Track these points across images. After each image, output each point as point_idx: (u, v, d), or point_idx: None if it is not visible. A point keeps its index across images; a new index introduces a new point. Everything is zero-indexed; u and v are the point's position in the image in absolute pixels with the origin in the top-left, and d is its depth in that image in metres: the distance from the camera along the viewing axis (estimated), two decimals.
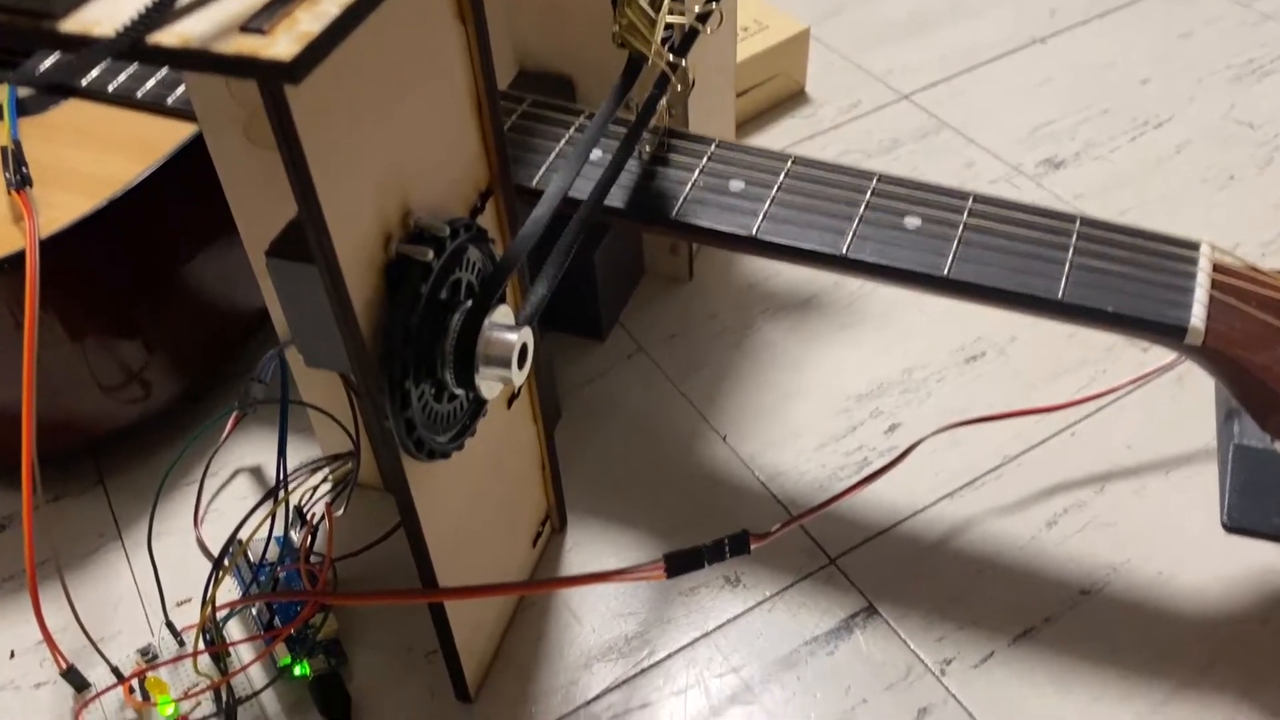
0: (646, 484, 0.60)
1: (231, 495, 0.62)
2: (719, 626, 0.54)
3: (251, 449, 0.64)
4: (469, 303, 0.39)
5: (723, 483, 0.60)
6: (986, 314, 0.67)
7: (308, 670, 0.51)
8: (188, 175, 0.59)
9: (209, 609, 0.46)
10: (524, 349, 0.39)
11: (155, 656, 0.52)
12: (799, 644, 0.53)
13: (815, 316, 0.69)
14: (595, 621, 0.55)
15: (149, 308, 0.61)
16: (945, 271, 0.47)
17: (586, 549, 0.58)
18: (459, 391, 0.40)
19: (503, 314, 0.40)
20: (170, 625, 0.53)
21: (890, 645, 0.52)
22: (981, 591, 0.54)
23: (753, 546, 0.49)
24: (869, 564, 0.56)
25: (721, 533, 0.57)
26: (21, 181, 0.54)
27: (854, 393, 0.64)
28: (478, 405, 0.42)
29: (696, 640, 0.53)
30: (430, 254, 0.36)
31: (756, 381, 0.65)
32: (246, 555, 0.54)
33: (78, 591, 0.57)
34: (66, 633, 0.53)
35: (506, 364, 0.39)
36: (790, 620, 0.54)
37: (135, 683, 0.51)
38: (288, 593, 0.50)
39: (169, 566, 0.58)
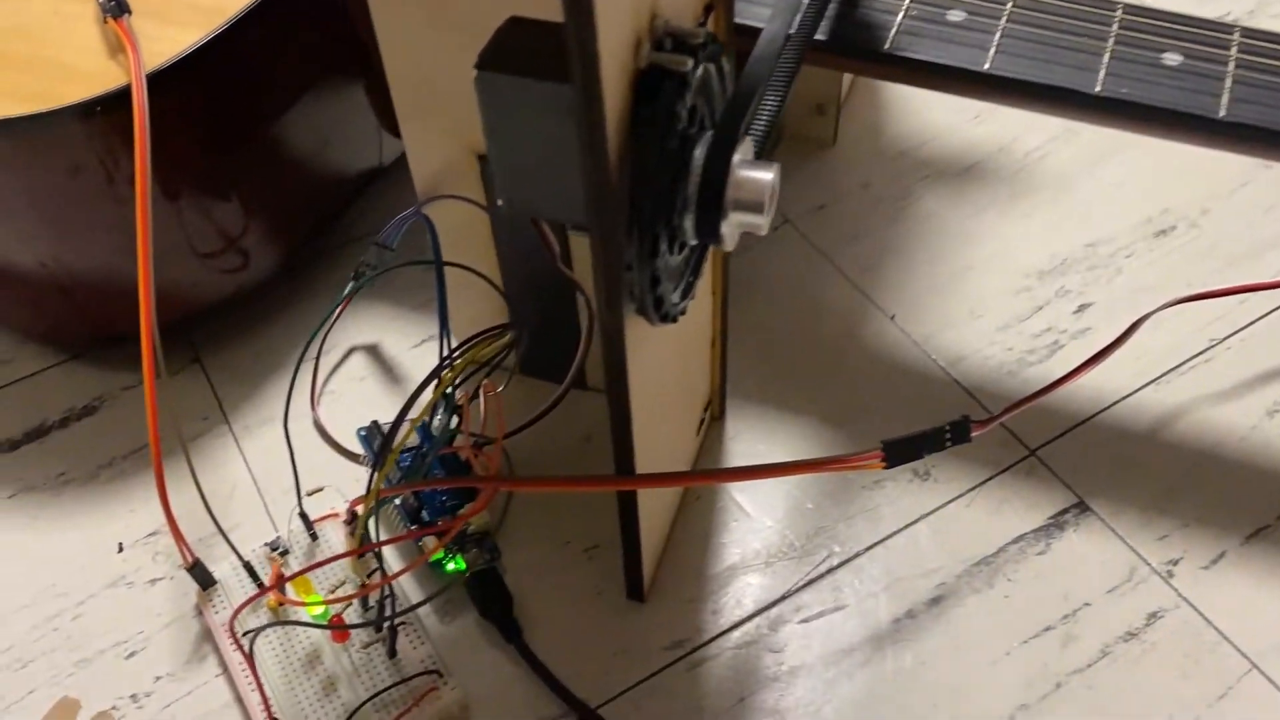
0: (807, 369, 0.54)
1: (346, 376, 0.56)
2: (909, 524, 0.48)
3: (363, 325, 0.57)
4: (709, 134, 0.32)
5: (894, 367, 0.54)
6: (1172, 183, 0.61)
7: (463, 566, 0.46)
8: (295, 6, 0.52)
9: (371, 500, 0.40)
10: (774, 191, 0.33)
11: (285, 550, 0.47)
12: (1004, 543, 0.47)
13: (980, 185, 0.62)
14: (769, 517, 0.49)
15: (248, 165, 0.54)
16: (1220, 114, 0.40)
17: (747, 438, 0.52)
18: (692, 243, 0.33)
19: (746, 149, 0.33)
20: (304, 516, 0.47)
21: (1108, 545, 0.47)
22: (1202, 486, 0.49)
23: (974, 434, 0.43)
24: (1073, 456, 0.50)
25: (900, 422, 0.52)
26: (119, 8, 0.47)
27: (1034, 269, 0.57)
28: (699, 262, 0.36)
29: (886, 538, 0.48)
30: (689, 63, 0.30)
31: (922, 256, 0.59)
32: (387, 440, 0.48)
33: (186, 480, 0.51)
34: (160, 516, 0.47)
35: (758, 208, 0.32)
36: (991, 518, 0.48)
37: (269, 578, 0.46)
38: (470, 478, 0.43)
39: (281, 453, 0.52)
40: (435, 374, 0.41)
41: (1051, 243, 0.59)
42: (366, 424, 0.51)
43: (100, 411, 0.55)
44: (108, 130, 0.48)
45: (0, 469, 0.52)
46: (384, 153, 0.62)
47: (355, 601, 0.45)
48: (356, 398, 0.54)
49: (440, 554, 0.46)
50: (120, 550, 0.49)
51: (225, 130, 0.52)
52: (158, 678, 0.45)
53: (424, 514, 0.47)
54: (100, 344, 0.57)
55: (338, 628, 0.42)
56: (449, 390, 0.48)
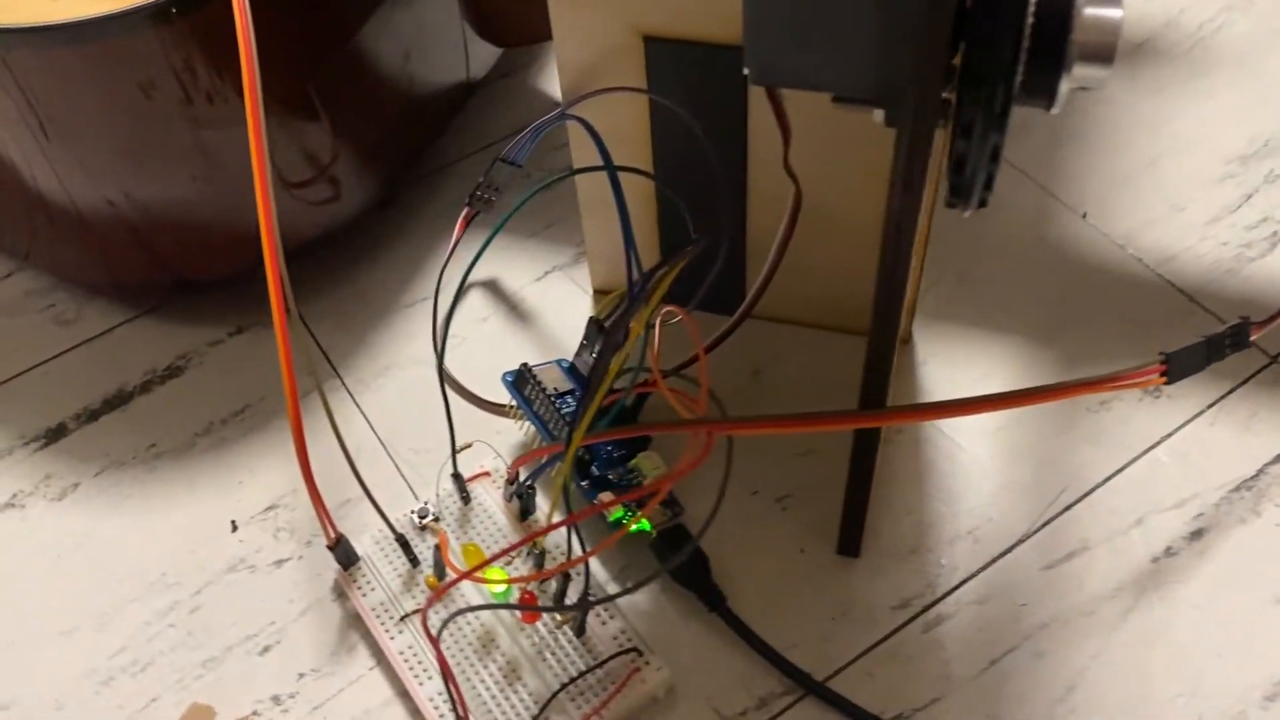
0: (996, 280, 0.48)
1: (466, 318, 0.49)
2: (1148, 449, 0.42)
3: (485, 256, 0.50)
4: None
5: (1096, 270, 0.47)
6: None
7: (647, 526, 0.39)
8: None
9: (570, 458, 0.33)
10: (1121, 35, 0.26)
11: (436, 518, 0.40)
12: (1264, 463, 0.41)
13: (1154, 65, 0.55)
14: (983, 448, 0.43)
15: (334, 78, 0.46)
16: None
17: (940, 363, 0.45)
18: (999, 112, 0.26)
19: None
20: (457, 477, 0.40)
21: None
22: None
23: (1252, 337, 0.36)
24: None
25: (1116, 336, 0.45)
26: None
27: (1233, 153, 0.51)
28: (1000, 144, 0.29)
29: (1124, 467, 0.42)
30: None
31: (1103, 145, 0.52)
32: (541, 386, 0.42)
33: (307, 436, 0.45)
34: (293, 496, 0.41)
35: (1106, 56, 0.25)
36: (1242, 435, 0.42)
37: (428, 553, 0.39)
38: (686, 421, 0.36)
39: (405, 408, 0.46)
40: (633, 303, 0.34)
41: (1246, 123, 0.52)
42: (508, 369, 0.44)
43: (187, 372, 0.47)
44: (185, 36, 0.40)
45: (82, 443, 0.45)
46: (471, 66, 0.54)
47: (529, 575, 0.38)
48: (481, 341, 0.47)
49: (619, 513, 0.39)
50: (234, 529, 0.42)
51: (309, 37, 0.44)
52: (301, 675, 0.39)
53: (594, 469, 0.40)
54: (177, 295, 0.50)
55: (530, 608, 0.36)
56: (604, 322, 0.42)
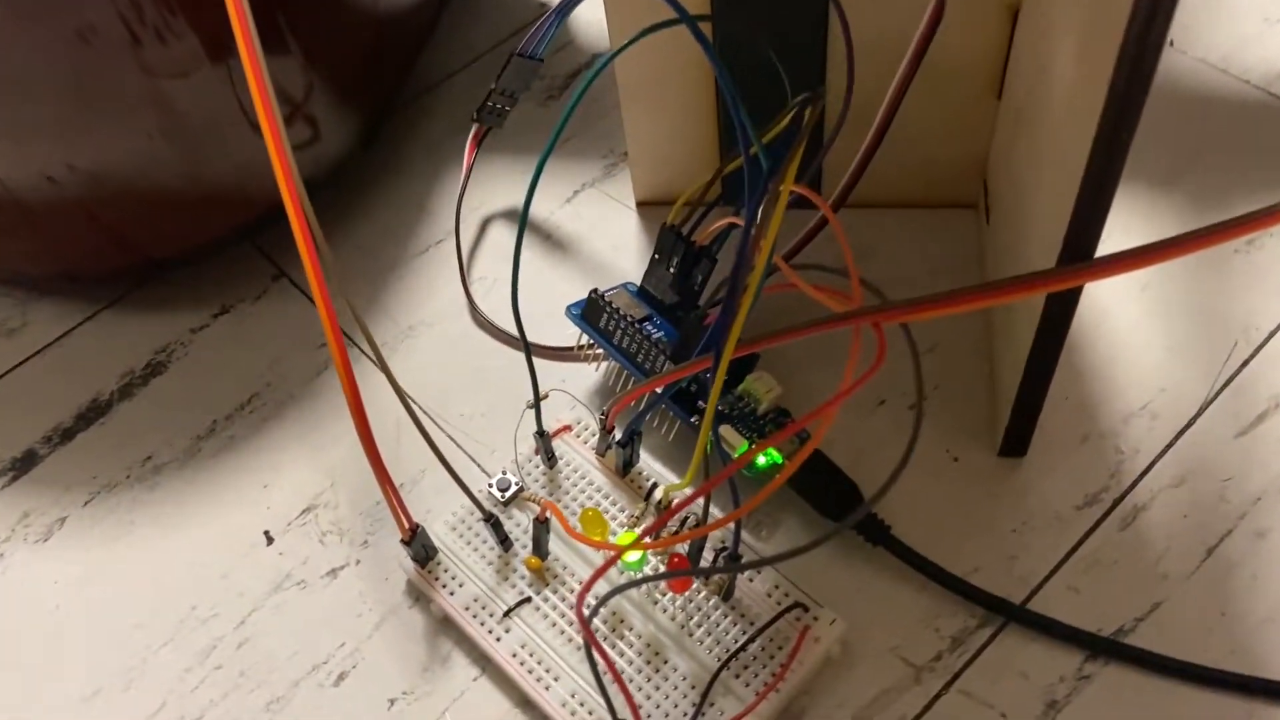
0: None
1: (492, 255, 0.41)
2: None
3: (485, 189, 0.43)
4: None
5: (1201, 100, 0.42)
6: None
7: (778, 458, 0.33)
8: None
9: (716, 387, 0.26)
10: None
11: (520, 488, 0.33)
12: None
13: None
14: (1132, 312, 0.37)
15: (303, 2, 0.38)
16: None
17: None
18: None
19: None
20: (542, 434, 0.33)
21: None
22: None
23: None
24: None
25: (1242, 164, 0.40)
26: None
27: None
28: None
29: None
30: None
31: None
32: (620, 312, 0.34)
33: (326, 421, 0.37)
34: (332, 491, 0.33)
35: None
36: None
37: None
38: (850, 314, 0.27)
39: (438, 368, 0.38)
40: (770, 176, 0.27)
41: None
42: (563, 303, 0.36)
43: (171, 367, 0.39)
44: None
45: (59, 469, 0.37)
46: None
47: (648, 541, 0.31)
48: (522, 276, 0.40)
49: (743, 445, 0.33)
50: (270, 542, 0.35)
51: None
52: (392, 701, 0.31)
53: (701, 403, 0.34)
54: (142, 280, 0.42)
55: (680, 574, 0.29)
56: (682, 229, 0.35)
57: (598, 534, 0.30)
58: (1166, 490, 0.33)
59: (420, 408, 0.37)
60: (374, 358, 0.30)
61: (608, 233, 0.41)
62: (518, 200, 0.42)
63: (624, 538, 0.31)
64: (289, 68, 0.38)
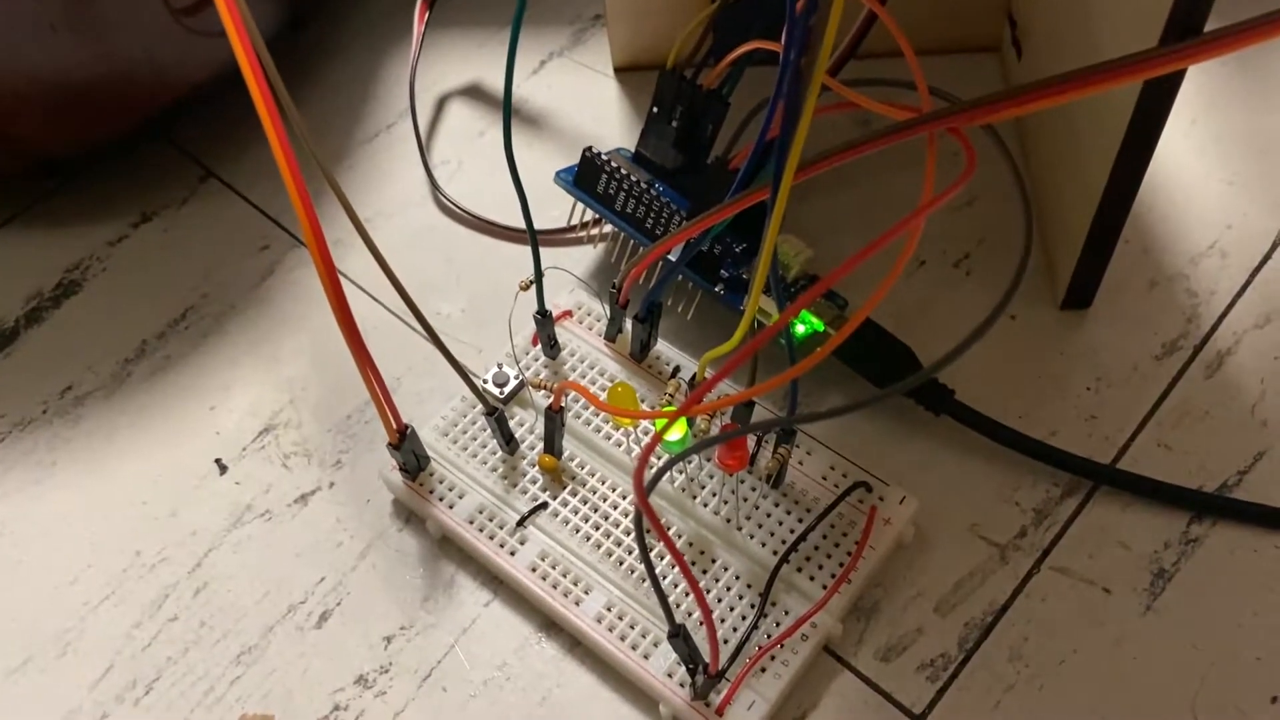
0: None
1: (454, 134, 0.36)
2: None
3: (441, 65, 0.37)
4: None
5: None
6: None
7: (819, 324, 0.28)
8: None
9: (774, 227, 0.21)
10: None
11: (521, 382, 0.28)
12: None
13: None
14: (1181, 145, 0.33)
15: None
16: None
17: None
18: None
19: None
20: (544, 315, 0.28)
21: None
22: None
23: None
24: None
25: None
26: None
27: None
28: None
29: None
30: None
31: None
32: (621, 172, 0.30)
33: (276, 332, 0.32)
34: (292, 407, 0.28)
35: None
36: None
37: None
38: (924, 119, 0.21)
39: (404, 264, 0.33)
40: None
41: None
42: (562, 168, 0.31)
43: (87, 285, 0.33)
44: None
45: None
46: None
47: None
48: (485, 160, 0.35)
49: (774, 317, 0.28)
50: (223, 471, 0.29)
51: None
52: (389, 639, 0.26)
53: (724, 270, 0.29)
54: (38, 189, 0.36)
55: (737, 434, 0.24)
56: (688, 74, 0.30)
57: (627, 407, 0.25)
58: (1251, 332, 0.29)
59: (389, 308, 0.32)
60: (361, 237, 0.24)
61: (584, 103, 0.36)
62: (473, 75, 0.37)
63: (664, 411, 0.26)
64: None
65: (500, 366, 0.29)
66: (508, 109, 0.25)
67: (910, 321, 0.30)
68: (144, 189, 0.35)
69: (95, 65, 0.32)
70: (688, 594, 0.25)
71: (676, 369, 0.29)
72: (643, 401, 0.28)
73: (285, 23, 0.37)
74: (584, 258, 0.32)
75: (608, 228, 0.32)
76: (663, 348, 0.29)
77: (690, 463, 0.27)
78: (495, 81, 0.37)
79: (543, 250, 0.32)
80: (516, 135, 0.36)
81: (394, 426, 0.26)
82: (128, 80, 0.33)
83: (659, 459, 0.26)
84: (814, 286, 0.24)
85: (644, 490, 0.19)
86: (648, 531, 0.24)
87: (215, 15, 0.33)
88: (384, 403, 0.25)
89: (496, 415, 0.26)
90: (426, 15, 0.35)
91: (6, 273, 0.34)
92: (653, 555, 0.26)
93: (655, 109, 0.30)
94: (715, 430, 0.27)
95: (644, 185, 0.29)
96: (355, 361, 0.24)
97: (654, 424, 0.27)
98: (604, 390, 0.28)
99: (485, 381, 0.28)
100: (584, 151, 0.30)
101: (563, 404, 0.26)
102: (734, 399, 0.21)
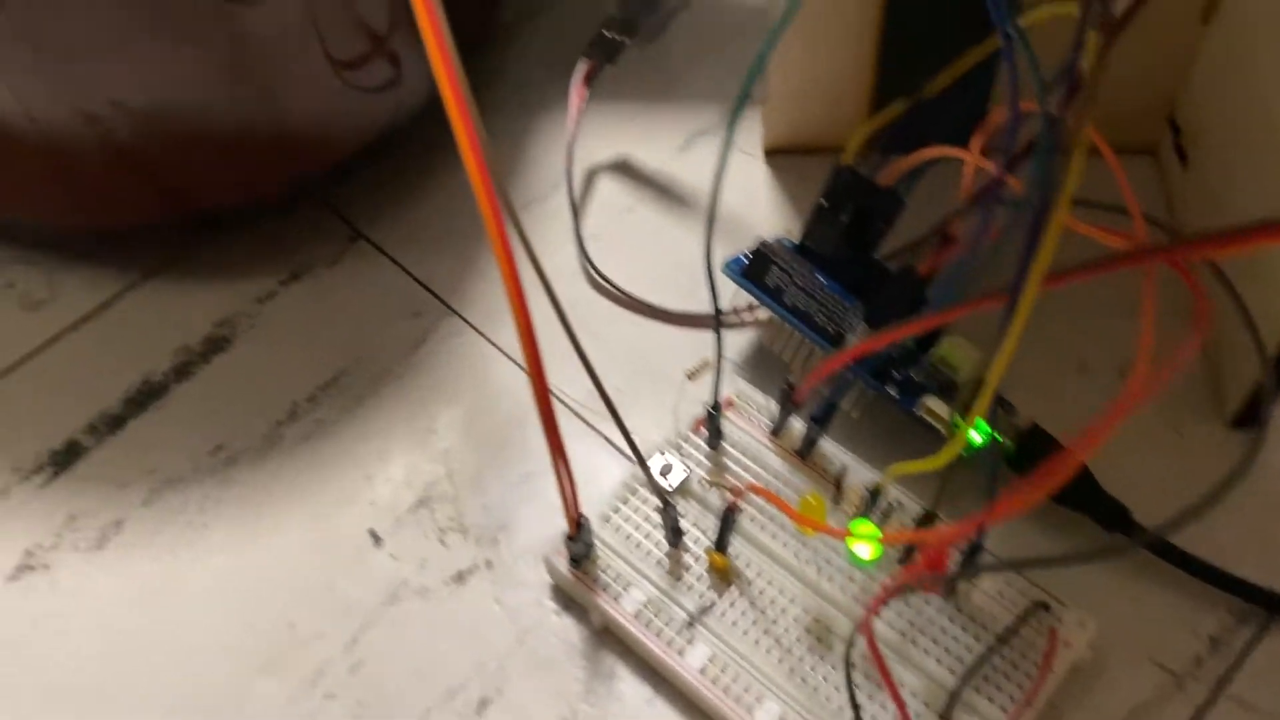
0: None
1: (603, 209, 0.36)
2: None
3: (591, 136, 0.37)
4: None
5: None
6: None
7: (999, 436, 0.28)
8: None
9: (1013, 336, 0.21)
10: None
11: (686, 474, 0.28)
12: None
13: None
14: None
15: None
16: None
17: None
18: None
19: None
20: (715, 412, 0.28)
21: None
22: None
23: None
24: None
25: None
26: None
27: None
28: None
29: None
30: None
31: None
32: (793, 266, 0.29)
33: (431, 401, 0.32)
34: (449, 480, 0.28)
35: None
36: None
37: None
38: (1142, 251, 0.20)
39: (549, 341, 0.33)
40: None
41: None
42: (738, 254, 0.31)
43: (237, 342, 0.34)
44: None
45: (110, 462, 0.31)
46: None
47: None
48: (636, 236, 0.35)
49: (953, 421, 0.28)
50: (378, 543, 0.29)
51: None
52: None
53: (895, 372, 0.29)
54: (192, 240, 0.36)
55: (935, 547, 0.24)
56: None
57: (817, 518, 0.25)
58: None
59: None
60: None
61: (733, 184, 0.36)
62: (623, 149, 0.37)
63: (858, 526, 0.26)
64: None
65: (663, 454, 0.28)
66: (712, 213, 0.25)
67: (1072, 430, 0.29)
68: (293, 246, 0.35)
69: (260, 120, 0.32)
70: (858, 708, 0.25)
71: (844, 470, 0.28)
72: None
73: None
74: (737, 341, 0.32)
75: (763, 312, 0.32)
76: (827, 444, 0.29)
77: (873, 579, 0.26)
78: (644, 157, 0.37)
79: (692, 331, 0.32)
80: (663, 212, 0.36)
81: (574, 517, 0.25)
82: (293, 137, 0.33)
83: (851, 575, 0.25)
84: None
85: (875, 640, 0.19)
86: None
87: (375, 71, 0.34)
88: (570, 494, 0.25)
89: (669, 509, 0.26)
90: (588, 86, 0.36)
91: (155, 323, 0.34)
92: (833, 671, 0.25)
93: (824, 202, 0.30)
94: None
95: (817, 282, 0.29)
96: (549, 449, 0.24)
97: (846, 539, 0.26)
98: (767, 482, 0.28)
99: (656, 469, 0.28)
100: (758, 245, 0.30)
101: (740, 505, 0.26)
102: (959, 532, 0.21)
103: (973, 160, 0.27)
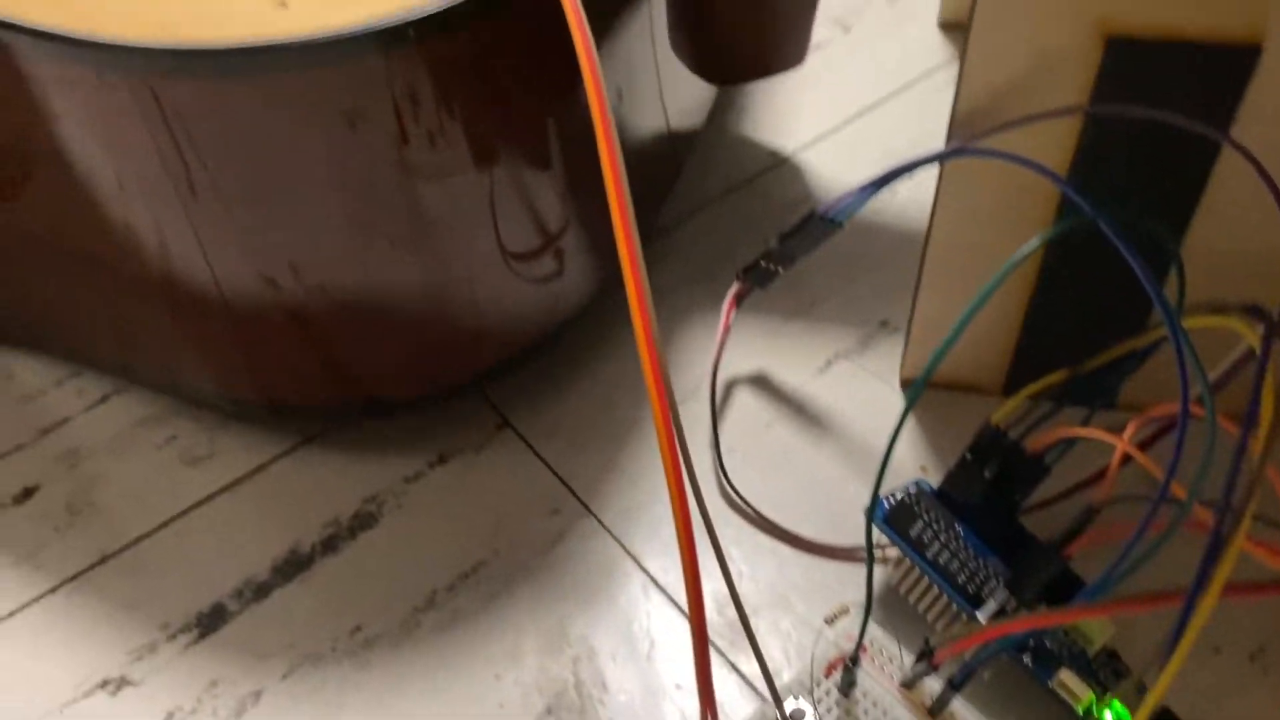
0: None
1: (740, 424, 0.37)
2: None
3: (733, 350, 0.39)
4: None
5: None
6: None
7: (1125, 713, 0.28)
8: None
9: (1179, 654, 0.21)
10: None
11: None
12: None
13: None
14: None
15: (567, 109, 0.35)
16: None
17: None
18: None
19: None
20: (854, 664, 0.29)
21: None
22: None
23: None
24: None
25: None
26: None
27: None
28: None
29: None
30: None
31: None
32: (939, 523, 0.30)
33: (563, 603, 0.33)
34: (576, 691, 0.29)
35: None
36: None
37: None
38: None
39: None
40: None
41: None
42: (882, 498, 0.32)
43: (383, 520, 0.35)
44: (419, 63, 0.29)
45: (253, 630, 0.32)
46: (670, 114, 0.43)
47: None
48: (771, 455, 0.36)
49: (1089, 700, 0.28)
50: None
51: (551, 55, 0.33)
52: None
53: (1030, 639, 0.29)
54: (348, 417, 0.38)
55: None
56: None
57: None
58: None
59: (666, 593, 0.33)
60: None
61: (867, 413, 0.37)
62: (762, 364, 0.39)
63: None
64: (548, 186, 0.35)
65: (796, 698, 0.29)
66: (882, 470, 0.26)
67: (1202, 714, 0.29)
68: (442, 428, 0.37)
69: (434, 303, 0.34)
70: None
71: None
72: None
73: (598, 286, 0.39)
74: (858, 579, 0.33)
75: (893, 550, 0.33)
76: (959, 705, 0.29)
77: None
78: (783, 374, 0.38)
79: (814, 560, 0.33)
80: (799, 433, 0.37)
81: None
82: (466, 329, 0.35)
83: None
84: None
85: None
86: None
87: (542, 265, 0.36)
88: None
89: None
90: (735, 307, 0.37)
91: (307, 491, 0.36)
92: None
93: (969, 455, 0.31)
94: None
95: (957, 535, 0.30)
96: (700, 699, 0.24)
97: None
98: None
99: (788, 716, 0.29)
100: (904, 494, 0.31)
101: None
102: None
103: (1125, 449, 0.28)
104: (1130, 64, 0.27)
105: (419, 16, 0.27)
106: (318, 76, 0.28)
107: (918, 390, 0.27)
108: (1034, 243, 0.26)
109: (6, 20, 0.27)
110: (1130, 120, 0.28)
